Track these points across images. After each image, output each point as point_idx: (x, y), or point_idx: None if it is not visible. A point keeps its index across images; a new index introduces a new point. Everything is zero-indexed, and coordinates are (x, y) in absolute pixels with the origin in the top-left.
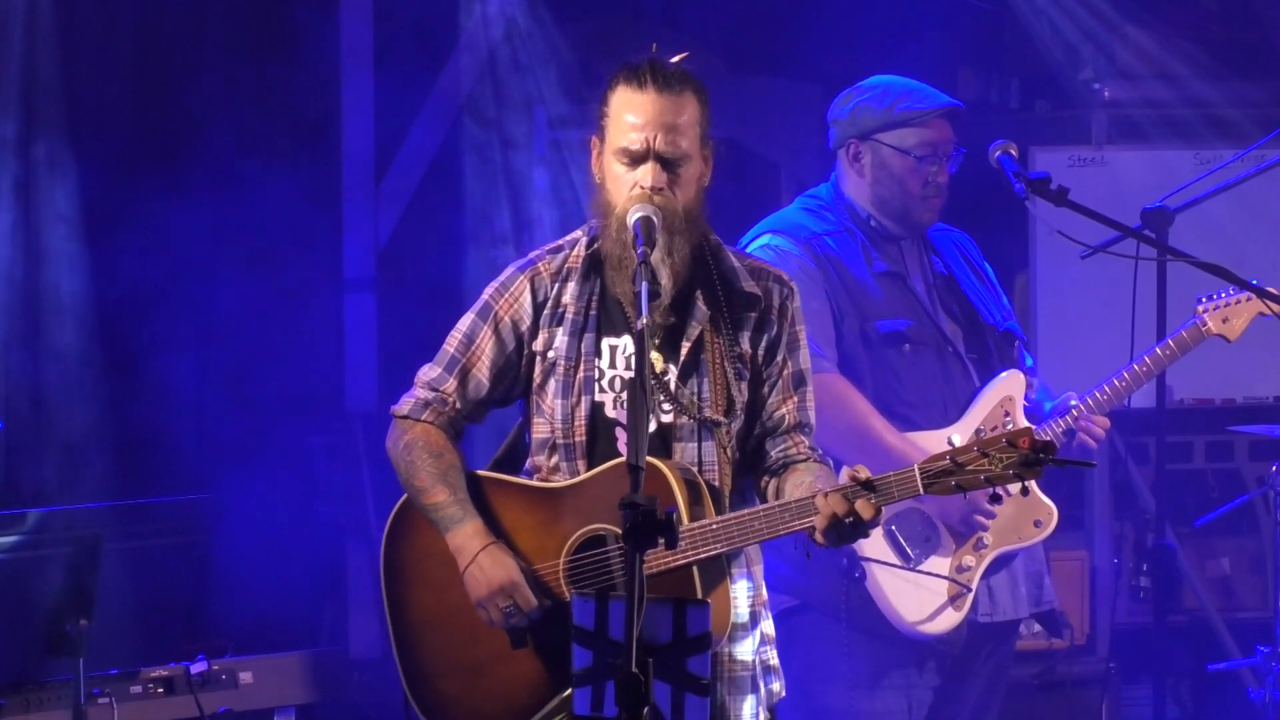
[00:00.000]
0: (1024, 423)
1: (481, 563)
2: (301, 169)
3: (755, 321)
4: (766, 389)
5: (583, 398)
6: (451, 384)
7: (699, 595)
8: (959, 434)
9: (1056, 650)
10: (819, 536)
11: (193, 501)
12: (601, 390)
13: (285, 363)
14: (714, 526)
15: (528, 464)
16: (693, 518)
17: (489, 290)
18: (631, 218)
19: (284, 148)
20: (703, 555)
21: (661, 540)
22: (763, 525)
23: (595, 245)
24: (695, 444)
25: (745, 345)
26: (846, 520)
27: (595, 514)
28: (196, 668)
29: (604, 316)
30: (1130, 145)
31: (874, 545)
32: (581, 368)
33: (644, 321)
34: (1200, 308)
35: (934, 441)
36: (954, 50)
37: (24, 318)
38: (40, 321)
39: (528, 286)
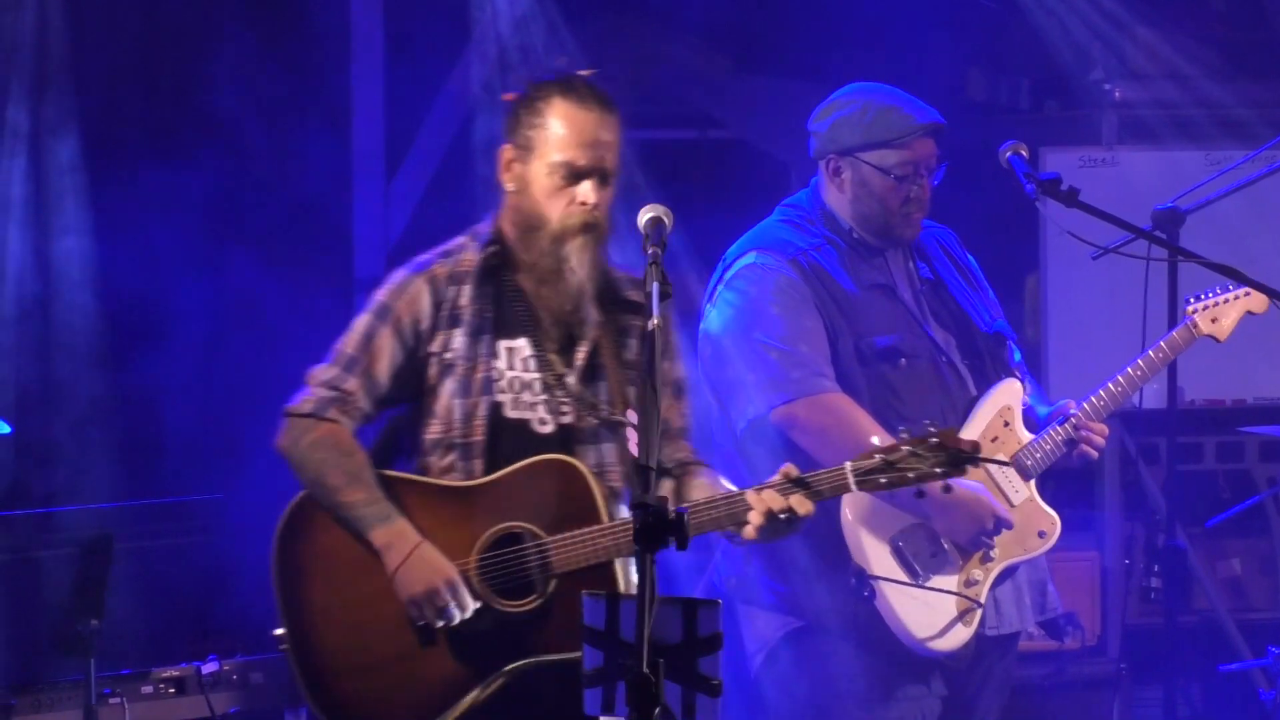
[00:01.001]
0: (1024, 432)
1: (417, 561)
2: (312, 169)
3: (639, 329)
4: None
5: (481, 398)
6: (353, 383)
7: (621, 590)
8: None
9: (1067, 651)
10: (751, 532)
11: (203, 501)
12: (500, 391)
13: (296, 361)
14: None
15: (415, 465)
16: (611, 516)
17: (384, 293)
18: (643, 219)
19: (295, 148)
20: (626, 553)
21: (672, 540)
22: (691, 521)
23: (490, 251)
24: (596, 446)
25: (632, 352)
26: (782, 516)
27: (508, 512)
28: (208, 668)
29: (500, 319)
30: (1141, 146)
31: (882, 563)
32: (480, 368)
33: (655, 322)
34: (1189, 308)
35: None
36: (964, 50)
37: (33, 318)
38: (49, 322)
39: (426, 289)
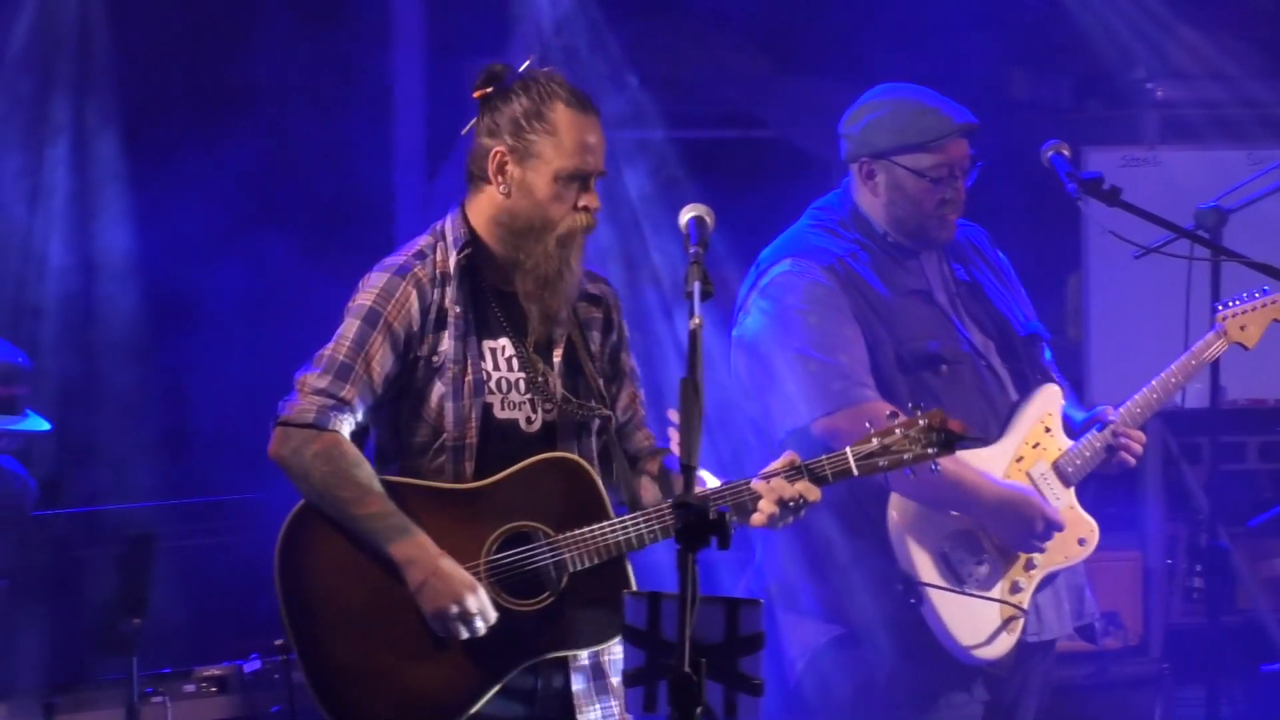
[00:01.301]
0: (1064, 439)
1: (441, 576)
2: (355, 171)
3: (601, 323)
4: (616, 387)
5: (474, 400)
6: (350, 391)
7: (632, 586)
8: (1003, 453)
9: (1109, 651)
10: (760, 519)
11: (246, 501)
12: (490, 392)
13: None
14: (640, 519)
15: (398, 467)
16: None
17: (369, 297)
18: (684, 218)
19: (337, 150)
20: (636, 546)
21: (715, 539)
22: None
23: (467, 252)
24: (578, 441)
25: (596, 345)
26: (791, 504)
27: (515, 512)
28: (250, 667)
29: (480, 320)
30: (1183, 145)
31: (929, 570)
32: (469, 370)
33: (696, 321)
34: (1219, 315)
35: (982, 461)
36: (1006, 50)
37: (77, 319)
38: (92, 322)
39: (414, 292)
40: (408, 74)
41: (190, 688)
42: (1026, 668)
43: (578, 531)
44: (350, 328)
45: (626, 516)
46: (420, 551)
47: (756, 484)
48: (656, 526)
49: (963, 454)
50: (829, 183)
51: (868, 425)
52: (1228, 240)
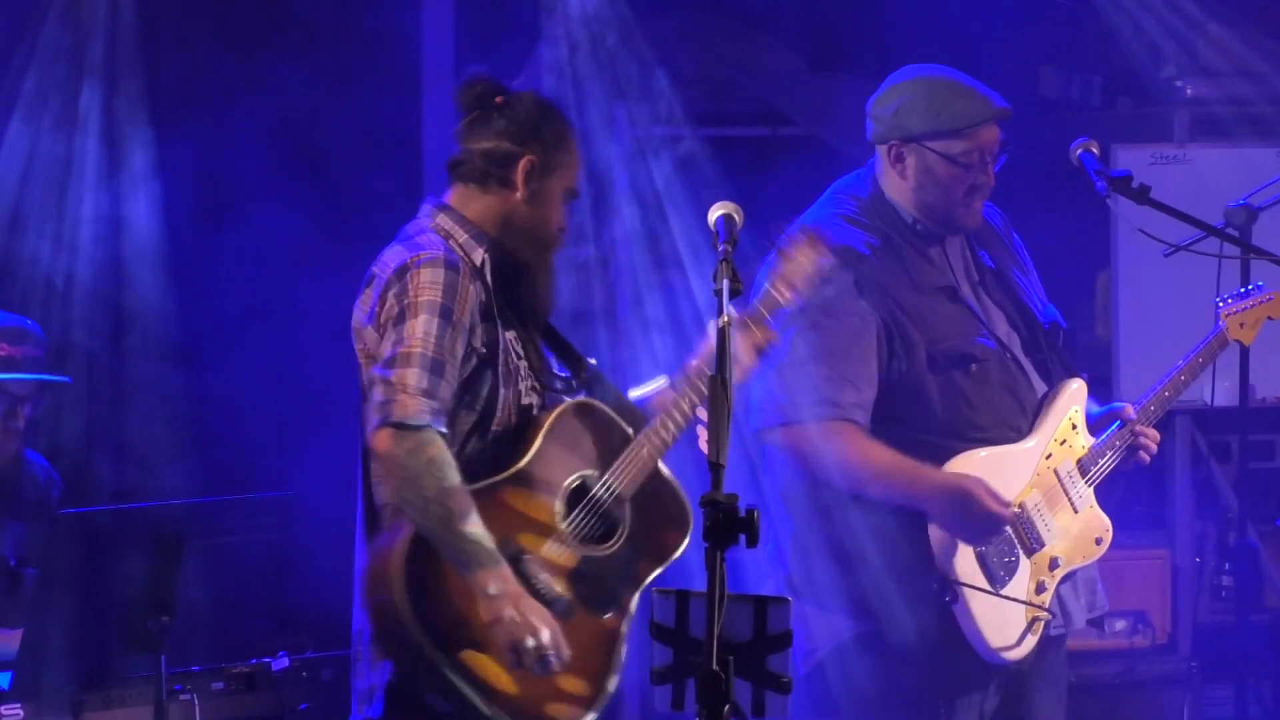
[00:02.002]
0: (1088, 436)
1: (521, 610)
2: (383, 170)
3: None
4: None
5: (515, 387)
6: (446, 389)
7: (674, 487)
8: (1034, 450)
9: (1138, 649)
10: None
11: (274, 499)
12: (520, 378)
13: None
14: (656, 424)
15: None
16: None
17: (436, 293)
18: (713, 216)
19: (365, 147)
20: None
21: (743, 537)
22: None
23: (487, 249)
24: None
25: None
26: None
27: (560, 472)
28: (278, 664)
29: (500, 312)
30: (1213, 143)
31: (966, 569)
32: (511, 359)
33: (725, 319)
34: (1221, 312)
35: (1011, 457)
36: (1035, 47)
37: (106, 316)
38: (122, 319)
39: (471, 286)
40: (436, 78)
41: (218, 685)
42: (1043, 661)
43: (615, 462)
44: (429, 324)
45: (646, 428)
46: (506, 585)
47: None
48: (670, 424)
49: (995, 450)
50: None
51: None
52: (1257, 238)
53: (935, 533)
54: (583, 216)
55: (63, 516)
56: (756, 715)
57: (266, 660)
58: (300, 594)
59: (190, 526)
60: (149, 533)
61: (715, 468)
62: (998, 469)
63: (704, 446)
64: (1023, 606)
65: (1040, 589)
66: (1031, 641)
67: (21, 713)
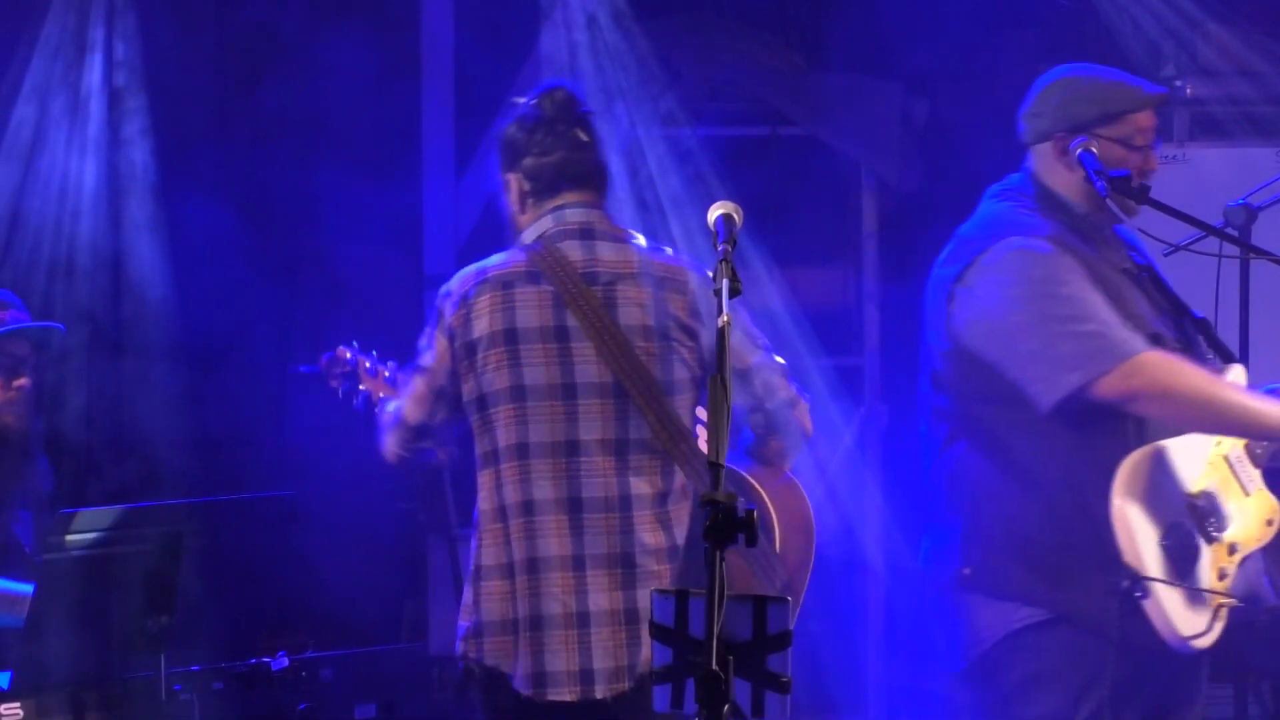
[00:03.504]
0: None
1: None
2: (383, 169)
3: None
4: None
5: None
6: None
7: None
8: (1203, 435)
9: None
10: None
11: (274, 499)
12: None
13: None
14: None
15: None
16: None
17: None
18: (712, 216)
19: (364, 146)
20: None
21: (742, 537)
22: None
23: None
24: None
25: None
26: None
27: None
28: (278, 664)
29: None
30: (1212, 142)
31: (1152, 562)
32: None
33: (725, 319)
34: None
35: (1185, 445)
36: (1035, 47)
37: (106, 315)
38: (122, 318)
39: None
40: (436, 76)
41: (218, 685)
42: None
43: None
44: None
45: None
46: None
47: None
48: None
49: (1172, 440)
50: (856, 180)
51: (1150, 375)
52: (1257, 238)
53: (1120, 525)
54: None
55: (62, 516)
56: (756, 716)
57: (266, 660)
58: (300, 594)
59: (190, 526)
60: (149, 532)
61: (714, 467)
62: (1173, 461)
63: (703, 446)
64: (1208, 594)
65: (1222, 575)
66: (1218, 628)
67: (21, 712)
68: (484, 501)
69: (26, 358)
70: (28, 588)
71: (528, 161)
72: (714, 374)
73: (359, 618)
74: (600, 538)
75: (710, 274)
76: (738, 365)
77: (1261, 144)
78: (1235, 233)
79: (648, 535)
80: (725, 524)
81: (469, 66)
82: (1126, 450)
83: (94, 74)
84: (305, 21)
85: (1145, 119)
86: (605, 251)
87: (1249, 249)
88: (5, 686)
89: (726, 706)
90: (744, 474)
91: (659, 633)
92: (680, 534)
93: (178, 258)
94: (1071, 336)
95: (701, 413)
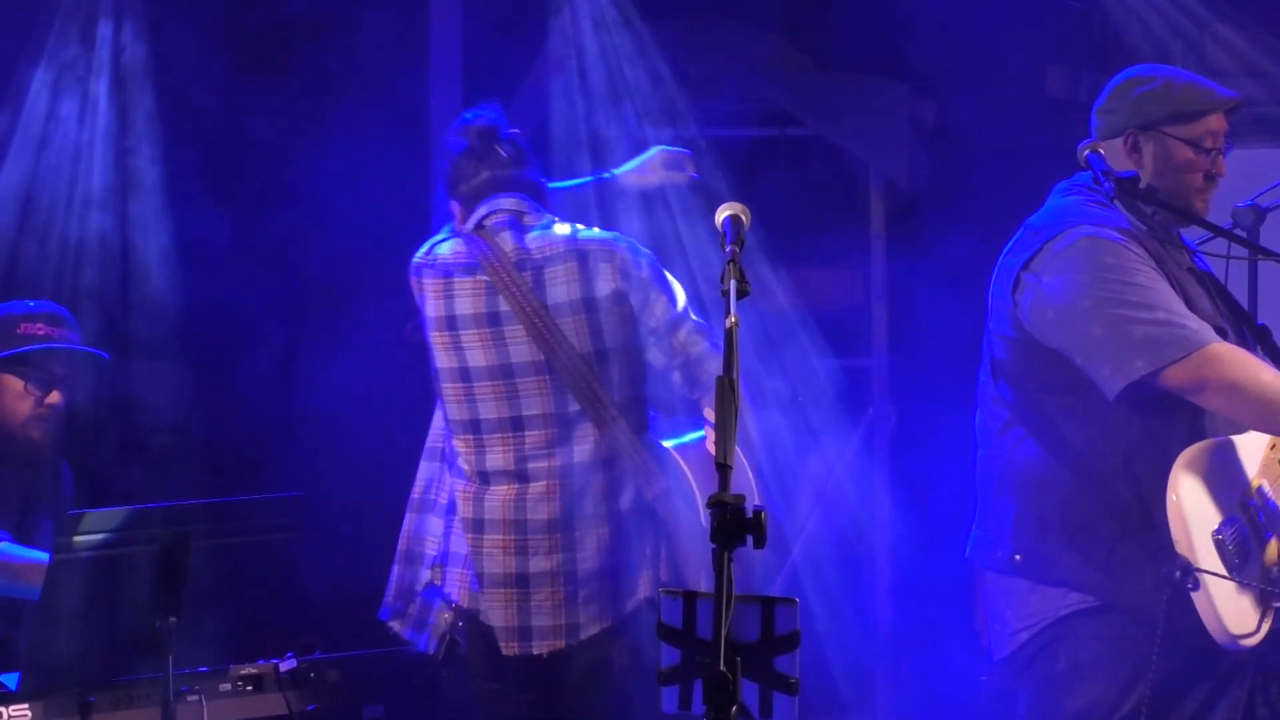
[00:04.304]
0: None
1: None
2: (392, 168)
3: None
4: None
5: None
6: None
7: None
8: (1257, 439)
9: None
10: None
11: (282, 499)
12: None
13: (374, 359)
14: None
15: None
16: None
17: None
18: (720, 217)
19: (375, 143)
20: None
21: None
22: None
23: None
24: None
25: None
26: None
27: None
28: (285, 665)
29: None
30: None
31: (1207, 557)
32: None
33: (733, 320)
34: None
35: (1240, 445)
36: (1043, 48)
37: (113, 315)
38: (129, 318)
39: None
40: (443, 79)
41: (226, 686)
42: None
43: None
44: None
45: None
46: None
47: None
48: None
49: (1229, 439)
50: (864, 181)
51: (1218, 365)
52: (1265, 239)
53: (1175, 518)
54: (587, 216)
55: (71, 516)
56: (765, 716)
57: (274, 661)
58: (308, 595)
59: (197, 527)
60: (156, 533)
61: (723, 469)
62: (1230, 457)
63: (711, 448)
64: (1257, 592)
65: (1272, 574)
66: (1266, 628)
67: (29, 713)
68: (462, 461)
69: (65, 377)
70: (44, 555)
71: (462, 189)
72: (720, 376)
73: (367, 619)
74: (541, 504)
75: (645, 254)
76: (653, 324)
77: (1269, 145)
78: (1243, 233)
79: (587, 502)
80: (732, 525)
81: (478, 61)
82: (1185, 443)
83: (102, 71)
84: (315, 17)
85: (1217, 122)
86: (534, 239)
87: (1257, 250)
88: (13, 688)
89: (735, 708)
90: (669, 448)
91: (667, 634)
92: (625, 499)
93: (184, 257)
94: (1142, 323)
95: (709, 413)
